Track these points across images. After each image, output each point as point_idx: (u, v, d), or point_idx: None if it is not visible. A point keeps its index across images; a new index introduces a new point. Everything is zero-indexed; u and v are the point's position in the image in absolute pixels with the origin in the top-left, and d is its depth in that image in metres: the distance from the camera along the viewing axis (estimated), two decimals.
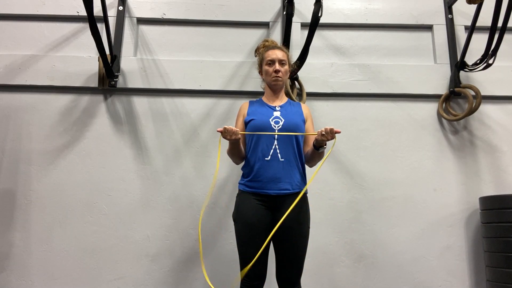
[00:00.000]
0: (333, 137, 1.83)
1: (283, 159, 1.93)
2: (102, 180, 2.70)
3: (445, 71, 2.91)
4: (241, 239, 1.90)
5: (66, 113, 2.80)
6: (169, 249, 2.63)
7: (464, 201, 2.75)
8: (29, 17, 2.92)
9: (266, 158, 1.93)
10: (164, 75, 2.84)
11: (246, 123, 2.05)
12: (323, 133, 1.82)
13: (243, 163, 2.08)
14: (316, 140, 1.90)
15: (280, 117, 2.00)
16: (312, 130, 2.11)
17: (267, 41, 2.26)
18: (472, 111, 2.72)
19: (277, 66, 2.05)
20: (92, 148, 2.75)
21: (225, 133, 1.85)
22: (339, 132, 1.82)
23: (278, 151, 1.94)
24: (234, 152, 2.00)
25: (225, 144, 1.99)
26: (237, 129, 1.87)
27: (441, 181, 2.78)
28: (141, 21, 2.97)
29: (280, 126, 1.97)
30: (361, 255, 2.66)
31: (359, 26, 3.02)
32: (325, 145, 1.91)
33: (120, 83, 2.81)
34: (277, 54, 2.07)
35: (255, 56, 2.28)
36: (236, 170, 2.66)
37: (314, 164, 2.08)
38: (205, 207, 2.66)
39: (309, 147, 2.02)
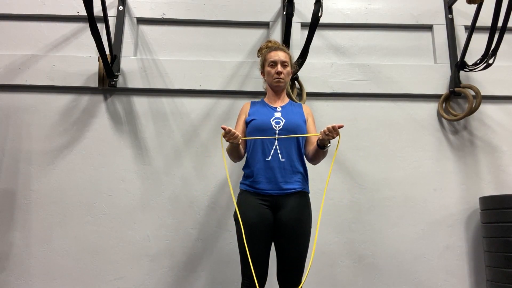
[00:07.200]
0: (337, 134, 1.81)
1: (284, 159, 1.94)
2: (102, 180, 2.70)
3: (445, 71, 2.91)
4: (242, 238, 1.90)
5: (66, 113, 2.79)
6: (169, 249, 2.63)
7: (464, 201, 2.75)
8: (29, 17, 2.92)
9: (267, 159, 1.94)
10: (164, 75, 2.84)
11: (247, 123, 2.06)
12: (327, 132, 1.80)
13: (244, 163, 2.08)
14: (319, 139, 1.89)
15: (281, 117, 2.01)
16: (314, 129, 2.10)
17: (270, 42, 2.27)
18: (472, 111, 2.72)
19: (279, 67, 2.05)
20: (92, 148, 2.75)
21: (226, 134, 1.84)
22: (342, 127, 1.79)
23: (278, 151, 1.94)
24: (233, 153, 2.01)
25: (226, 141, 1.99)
26: (239, 134, 1.86)
27: (441, 181, 2.78)
28: (141, 21, 2.96)
29: (281, 127, 1.97)
30: (361, 255, 2.66)
31: (359, 26, 3.02)
32: (329, 143, 1.90)
33: (120, 83, 2.81)
34: (280, 55, 2.07)
35: (258, 56, 2.28)
36: (236, 170, 2.66)
37: (318, 162, 2.06)
38: (206, 207, 2.68)
39: (312, 146, 2.02)
